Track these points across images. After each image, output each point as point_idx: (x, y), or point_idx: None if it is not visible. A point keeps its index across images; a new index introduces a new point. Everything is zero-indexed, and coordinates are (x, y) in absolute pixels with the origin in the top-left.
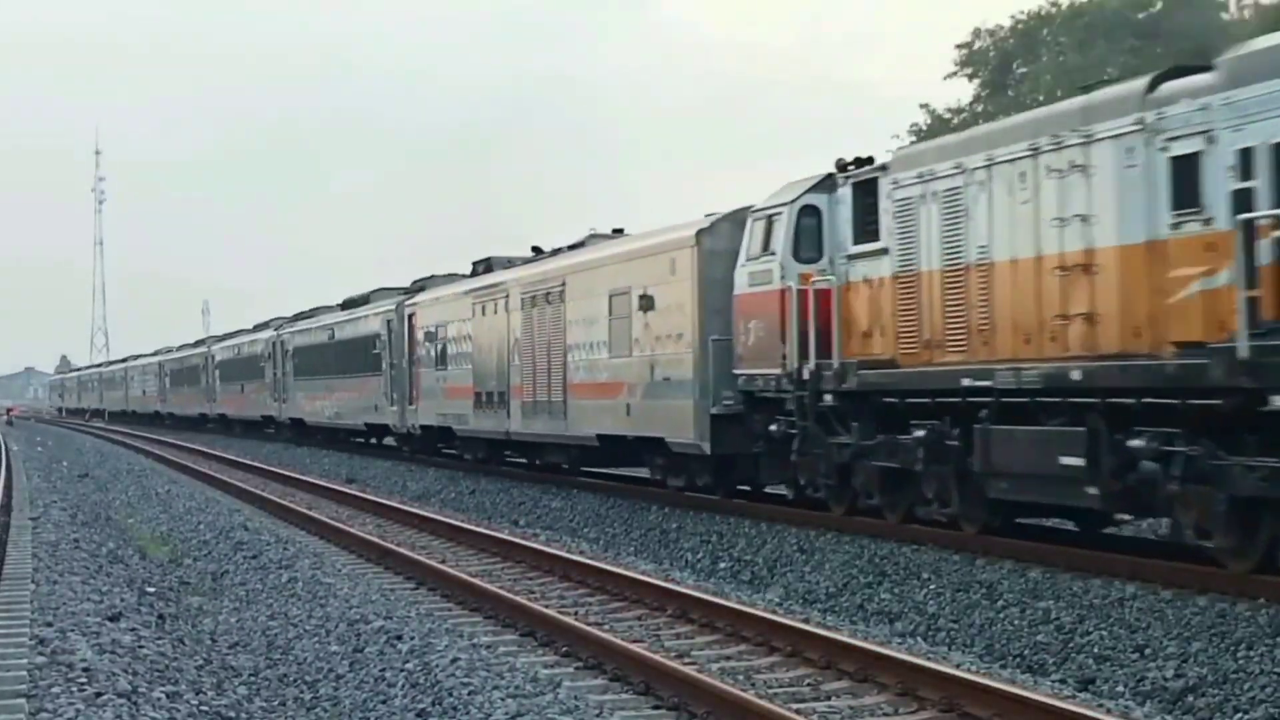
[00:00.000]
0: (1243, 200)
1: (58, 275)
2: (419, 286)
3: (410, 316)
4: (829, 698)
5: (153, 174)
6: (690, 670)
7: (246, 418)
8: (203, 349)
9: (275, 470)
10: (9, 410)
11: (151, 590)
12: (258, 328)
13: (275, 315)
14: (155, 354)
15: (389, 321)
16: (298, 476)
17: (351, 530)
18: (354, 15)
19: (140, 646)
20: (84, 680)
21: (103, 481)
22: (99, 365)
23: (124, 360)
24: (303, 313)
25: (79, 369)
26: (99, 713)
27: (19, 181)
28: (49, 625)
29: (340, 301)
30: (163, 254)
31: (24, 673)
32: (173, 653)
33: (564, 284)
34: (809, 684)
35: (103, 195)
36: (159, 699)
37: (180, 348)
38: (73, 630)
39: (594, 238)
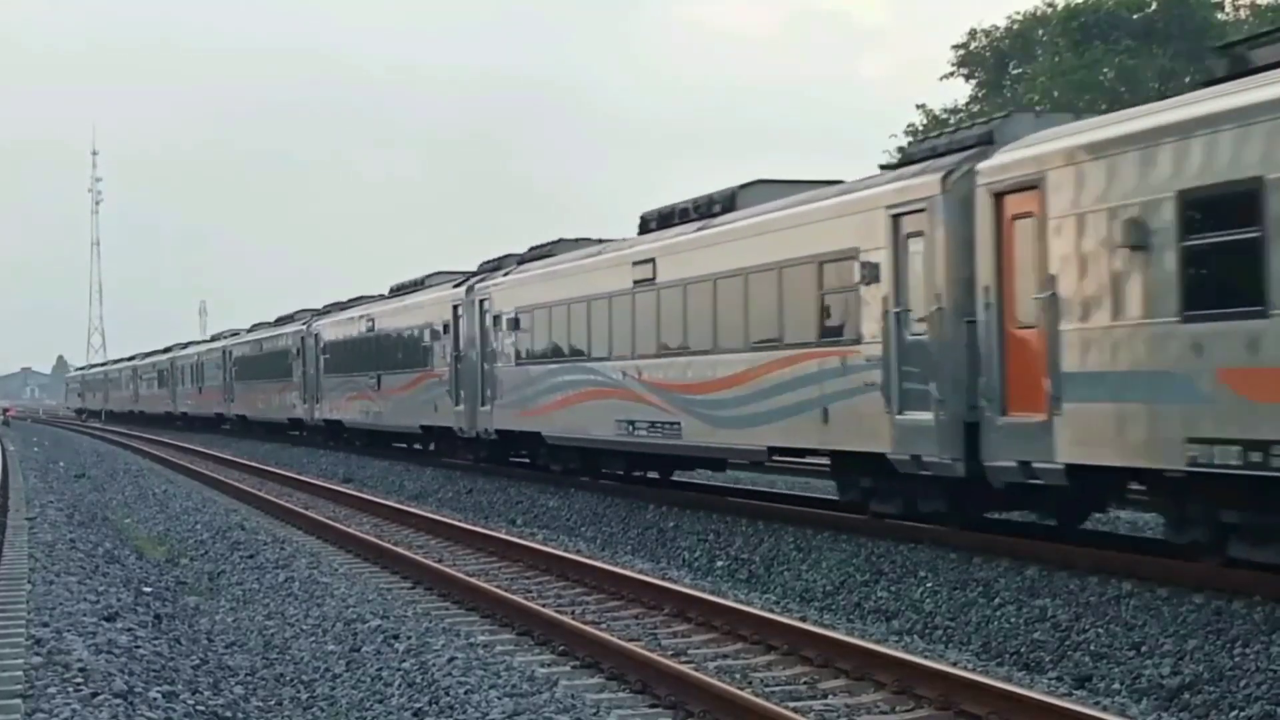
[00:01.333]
0: None
1: (54, 276)
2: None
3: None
4: (826, 696)
5: (150, 174)
6: (687, 669)
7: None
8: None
9: (272, 470)
10: (5, 410)
11: (148, 590)
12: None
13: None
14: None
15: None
16: (295, 476)
17: (348, 530)
18: (350, 13)
19: (137, 646)
20: (80, 680)
21: (99, 481)
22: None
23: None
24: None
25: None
26: (95, 713)
27: (16, 182)
28: (45, 625)
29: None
30: (159, 255)
31: (20, 673)
32: (169, 653)
33: None
34: (806, 682)
35: (100, 195)
36: (155, 699)
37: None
38: (69, 630)
39: None
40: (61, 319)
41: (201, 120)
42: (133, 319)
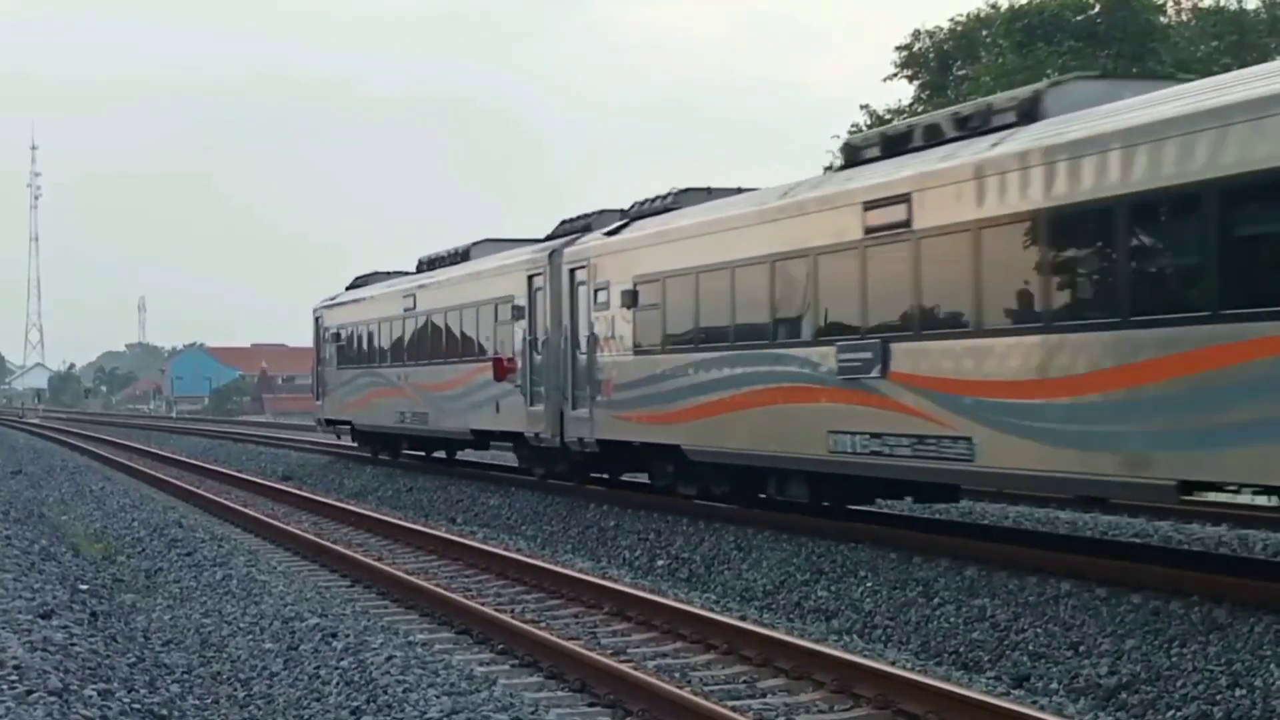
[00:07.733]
0: None
1: None
2: None
3: None
4: (765, 695)
5: (88, 172)
6: (626, 668)
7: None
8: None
9: (211, 468)
10: None
11: (84, 588)
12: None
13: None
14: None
15: None
16: (233, 474)
17: (287, 528)
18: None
19: (72, 644)
20: (15, 678)
21: (36, 478)
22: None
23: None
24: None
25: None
26: (30, 711)
27: None
28: None
29: None
30: (97, 250)
31: None
32: (105, 650)
33: None
34: (745, 681)
35: (39, 190)
36: (91, 697)
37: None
38: (3, 628)
39: None
40: None
41: (139, 119)
42: (70, 315)
